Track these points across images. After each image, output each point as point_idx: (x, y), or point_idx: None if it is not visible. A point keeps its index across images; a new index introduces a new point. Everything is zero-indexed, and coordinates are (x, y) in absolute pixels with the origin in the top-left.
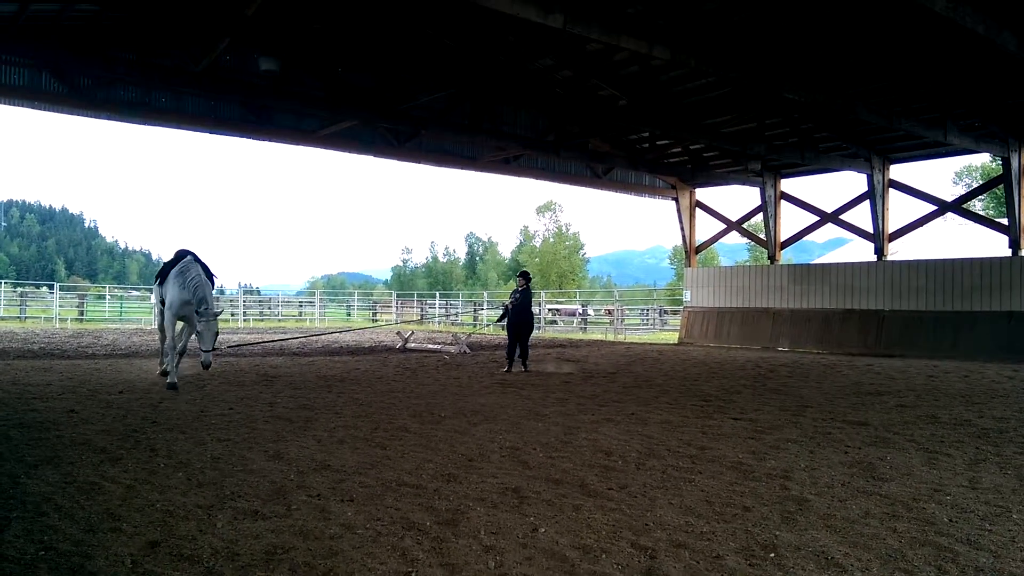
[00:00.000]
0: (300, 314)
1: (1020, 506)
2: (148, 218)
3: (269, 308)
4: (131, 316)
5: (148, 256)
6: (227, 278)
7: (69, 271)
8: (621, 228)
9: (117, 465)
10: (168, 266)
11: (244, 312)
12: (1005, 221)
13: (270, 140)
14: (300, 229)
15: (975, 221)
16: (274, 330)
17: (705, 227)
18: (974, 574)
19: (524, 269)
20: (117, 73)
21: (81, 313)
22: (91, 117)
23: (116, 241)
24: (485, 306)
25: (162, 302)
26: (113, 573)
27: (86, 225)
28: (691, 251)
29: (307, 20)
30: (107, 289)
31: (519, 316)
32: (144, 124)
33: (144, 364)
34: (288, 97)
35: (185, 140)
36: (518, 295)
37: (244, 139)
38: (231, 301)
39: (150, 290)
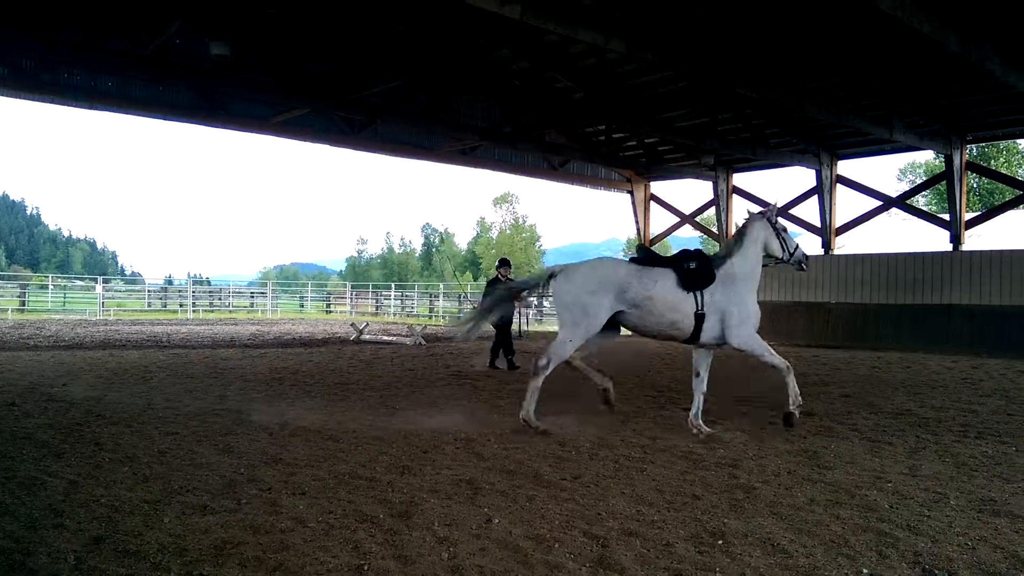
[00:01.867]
0: (252, 305)
1: (957, 493)
2: (94, 206)
3: (219, 299)
4: (75, 307)
5: (93, 245)
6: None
7: (10, 260)
8: (577, 220)
9: (60, 460)
10: None
11: (193, 303)
12: (947, 217)
13: (221, 127)
14: (252, 218)
15: (918, 216)
16: (224, 321)
17: (659, 220)
18: (913, 559)
19: (504, 257)
20: (62, 56)
21: (22, 303)
22: (34, 100)
23: (60, 229)
24: (441, 298)
25: None
26: (55, 570)
27: (28, 212)
28: (645, 244)
29: (260, 4)
30: (50, 279)
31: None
32: (90, 109)
33: (89, 356)
34: (240, 83)
35: (133, 125)
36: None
37: (194, 125)
38: (179, 291)
39: (95, 280)
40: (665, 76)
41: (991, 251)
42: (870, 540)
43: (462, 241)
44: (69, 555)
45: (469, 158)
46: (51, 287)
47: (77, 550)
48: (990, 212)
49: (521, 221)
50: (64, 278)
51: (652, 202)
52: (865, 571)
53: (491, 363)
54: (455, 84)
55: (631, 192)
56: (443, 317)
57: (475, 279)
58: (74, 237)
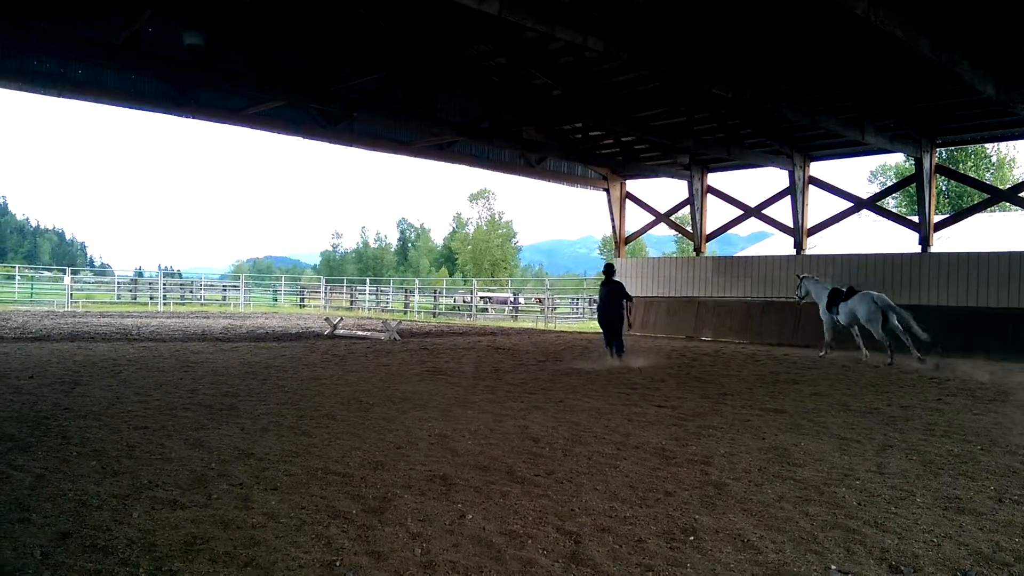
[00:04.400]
0: (224, 298)
1: (924, 490)
2: (62, 195)
3: (191, 292)
4: (42, 298)
5: (61, 235)
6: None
7: None
8: (553, 218)
9: (26, 453)
10: None
11: (164, 296)
12: (916, 219)
13: (194, 117)
14: (225, 210)
15: (888, 218)
16: (196, 314)
17: (635, 218)
18: (880, 555)
19: (608, 262)
20: (31, 43)
21: None
22: (2, 88)
23: (27, 219)
24: (416, 293)
25: None
26: (22, 565)
27: None
28: (621, 242)
29: None
30: (16, 269)
31: (607, 307)
32: (60, 97)
33: (57, 348)
34: (213, 73)
35: (104, 114)
36: (605, 288)
37: (166, 115)
38: (150, 284)
39: (63, 271)
40: (642, 75)
41: (959, 253)
42: (838, 536)
43: (438, 236)
44: (35, 550)
45: (446, 153)
46: (18, 277)
47: (44, 545)
48: (958, 215)
49: (498, 217)
50: (31, 268)
51: (628, 200)
52: (833, 567)
53: (612, 354)
54: (433, 79)
55: (607, 190)
56: (418, 312)
57: (451, 275)
58: (42, 227)
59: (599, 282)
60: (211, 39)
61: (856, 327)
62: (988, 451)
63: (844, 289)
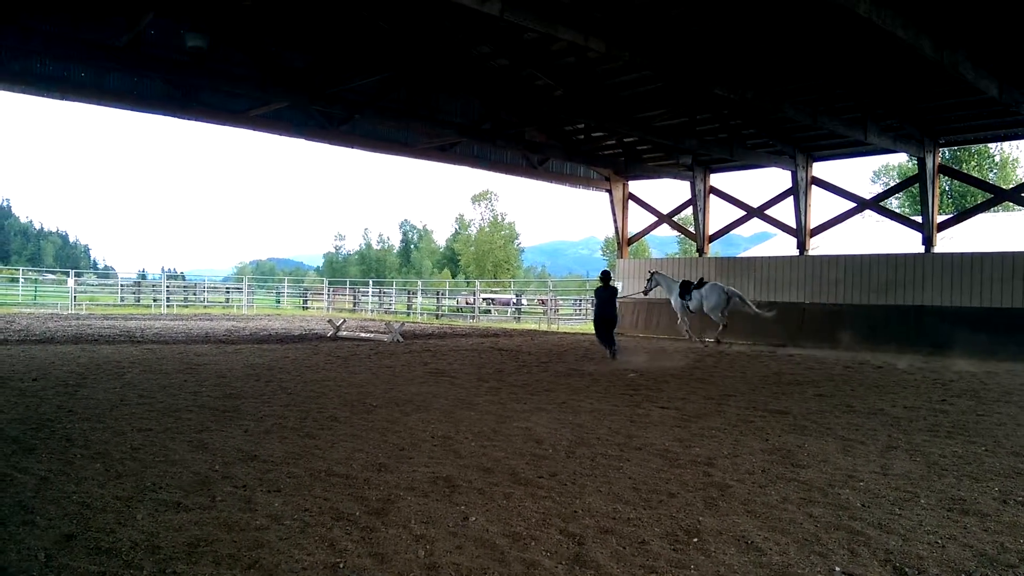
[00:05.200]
0: (227, 300)
1: (928, 492)
2: (66, 198)
3: (194, 294)
4: (46, 300)
5: (65, 238)
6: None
7: None
8: (556, 219)
9: (30, 455)
10: None
11: (168, 298)
12: (920, 219)
13: (196, 119)
14: (228, 212)
15: (891, 218)
16: (199, 317)
17: (637, 219)
18: (885, 557)
19: (605, 270)
20: (34, 45)
21: None
22: (5, 90)
23: (31, 222)
24: (419, 295)
25: None
26: (25, 567)
27: None
28: (623, 243)
29: None
30: (20, 272)
31: (604, 310)
32: (63, 99)
33: (61, 350)
34: (216, 76)
35: (107, 117)
36: (605, 293)
37: (169, 118)
38: (153, 286)
39: (67, 274)
40: (644, 76)
41: (962, 253)
42: (842, 538)
43: (441, 238)
44: (40, 552)
45: (448, 155)
46: (22, 280)
47: (48, 547)
48: (962, 215)
49: (500, 219)
50: (35, 271)
51: (630, 201)
52: (837, 569)
53: (610, 355)
54: (435, 80)
55: (610, 191)
56: (420, 314)
57: (453, 276)
58: (46, 230)
59: (596, 287)
60: (213, 41)
61: (704, 311)
62: (993, 452)
63: (694, 281)
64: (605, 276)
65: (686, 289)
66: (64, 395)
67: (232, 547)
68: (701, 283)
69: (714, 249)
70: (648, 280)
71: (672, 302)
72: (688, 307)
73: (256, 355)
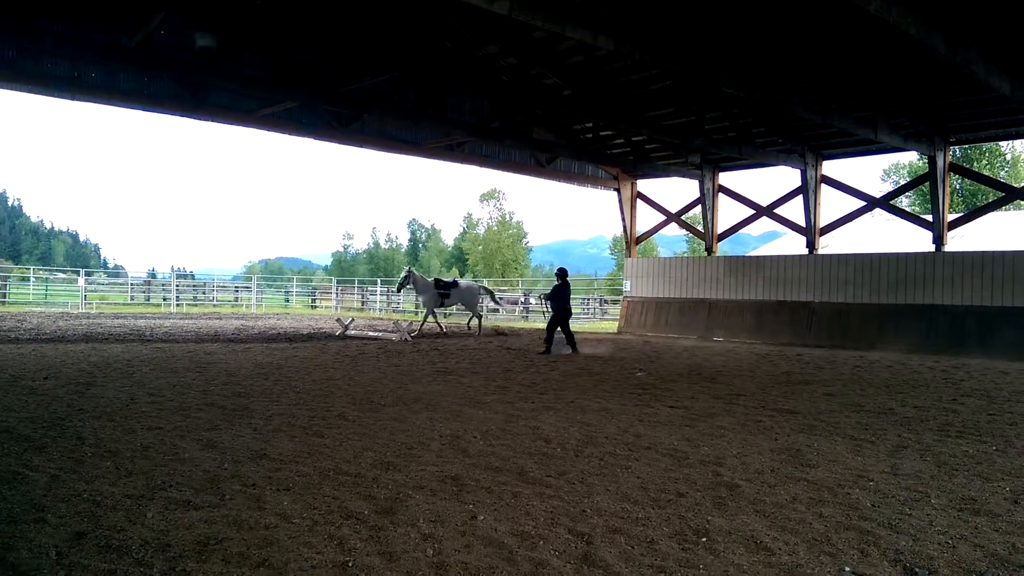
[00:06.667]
0: (236, 299)
1: (938, 491)
2: (77, 197)
3: (204, 293)
4: (57, 299)
5: (75, 237)
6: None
7: None
8: (564, 218)
9: (41, 454)
10: None
11: (177, 297)
12: (930, 218)
13: (206, 119)
14: (237, 212)
15: (902, 217)
16: (208, 315)
17: (645, 218)
18: (895, 557)
19: (561, 267)
20: (45, 45)
21: (3, 296)
22: (16, 90)
23: (42, 221)
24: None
25: None
26: (37, 565)
27: (10, 203)
28: (631, 242)
29: None
30: (31, 271)
31: (564, 304)
32: (74, 99)
33: (71, 349)
34: (225, 75)
35: (117, 117)
36: (567, 289)
37: (179, 117)
38: (163, 285)
39: (77, 273)
40: (653, 74)
41: (973, 252)
42: (852, 538)
43: (449, 237)
44: (51, 550)
45: (456, 154)
46: (32, 279)
47: (59, 545)
48: (973, 213)
49: (508, 218)
50: (46, 270)
51: (639, 200)
52: (847, 569)
53: (546, 350)
54: (443, 80)
55: (618, 190)
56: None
57: (461, 275)
58: (56, 229)
59: (553, 284)
60: (224, 41)
61: (461, 306)
62: (1004, 452)
63: (445, 280)
64: (562, 272)
65: (440, 286)
66: (75, 394)
67: (242, 545)
68: (455, 283)
69: (723, 248)
70: (404, 276)
71: (423, 298)
72: (443, 303)
73: (265, 354)
